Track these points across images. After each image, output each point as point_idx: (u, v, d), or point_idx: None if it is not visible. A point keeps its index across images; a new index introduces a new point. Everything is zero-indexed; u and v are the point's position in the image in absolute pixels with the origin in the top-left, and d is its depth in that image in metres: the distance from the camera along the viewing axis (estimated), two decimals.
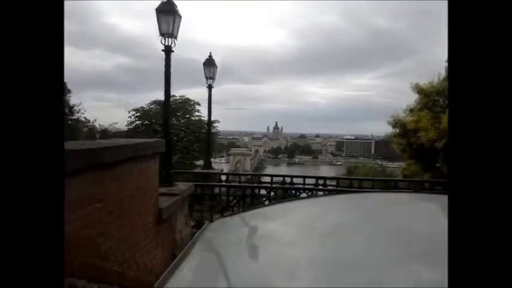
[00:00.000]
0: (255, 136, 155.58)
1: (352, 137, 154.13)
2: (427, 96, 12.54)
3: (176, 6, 6.25)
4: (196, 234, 1.53)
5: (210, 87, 10.06)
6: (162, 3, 6.15)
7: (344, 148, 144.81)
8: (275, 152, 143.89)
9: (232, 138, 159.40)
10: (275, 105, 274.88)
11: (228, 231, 1.59)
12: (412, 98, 12.96)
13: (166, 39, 6.14)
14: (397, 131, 13.00)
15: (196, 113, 16.09)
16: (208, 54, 10.24)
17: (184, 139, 15.23)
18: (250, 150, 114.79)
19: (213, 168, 10.36)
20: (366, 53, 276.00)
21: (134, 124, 16.59)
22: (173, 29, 6.09)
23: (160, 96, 6.81)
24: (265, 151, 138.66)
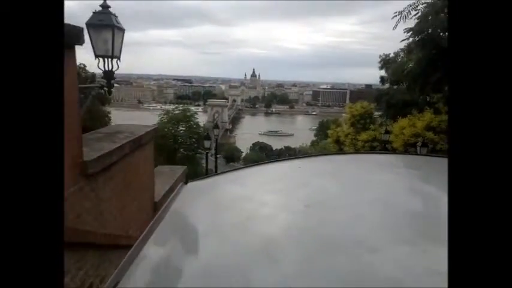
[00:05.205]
0: (232, 84, 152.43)
1: (328, 86, 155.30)
2: (353, 117, 17.67)
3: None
4: (166, 203, 1.40)
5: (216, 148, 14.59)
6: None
7: (320, 98, 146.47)
8: (252, 102, 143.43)
9: (209, 86, 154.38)
10: (252, 50, 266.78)
11: (200, 200, 1.45)
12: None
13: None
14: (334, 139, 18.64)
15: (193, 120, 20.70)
16: None
17: (187, 140, 20.07)
18: (228, 101, 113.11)
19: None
20: None
21: None
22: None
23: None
24: (242, 100, 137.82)
